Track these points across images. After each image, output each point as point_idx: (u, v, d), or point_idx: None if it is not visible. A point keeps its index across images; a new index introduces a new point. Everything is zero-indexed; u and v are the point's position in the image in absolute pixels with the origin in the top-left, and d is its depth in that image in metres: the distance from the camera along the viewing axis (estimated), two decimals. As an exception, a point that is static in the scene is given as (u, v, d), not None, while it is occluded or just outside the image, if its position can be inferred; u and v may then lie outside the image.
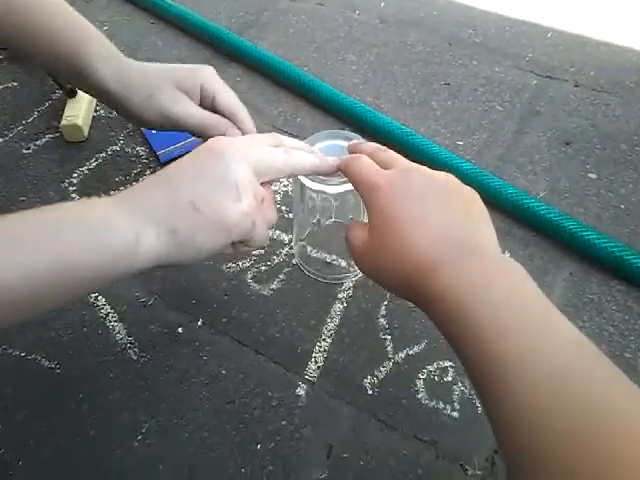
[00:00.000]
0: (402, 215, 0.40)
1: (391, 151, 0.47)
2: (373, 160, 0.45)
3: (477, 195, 0.43)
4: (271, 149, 0.46)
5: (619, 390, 0.30)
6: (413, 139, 0.72)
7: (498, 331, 0.33)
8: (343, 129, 0.76)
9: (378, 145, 0.48)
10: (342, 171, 0.47)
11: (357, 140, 0.52)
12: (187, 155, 0.44)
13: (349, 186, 0.47)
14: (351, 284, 0.60)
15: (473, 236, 0.39)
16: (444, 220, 0.39)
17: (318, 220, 0.58)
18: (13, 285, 0.35)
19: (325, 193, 0.52)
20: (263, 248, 0.50)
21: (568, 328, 0.33)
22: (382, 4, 0.98)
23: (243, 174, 0.42)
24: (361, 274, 0.61)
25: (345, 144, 0.52)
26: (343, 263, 0.62)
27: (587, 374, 0.31)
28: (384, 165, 0.44)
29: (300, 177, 0.51)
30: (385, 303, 0.59)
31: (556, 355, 0.32)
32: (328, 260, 0.62)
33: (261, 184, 0.45)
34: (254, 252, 0.62)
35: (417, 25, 0.94)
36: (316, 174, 0.49)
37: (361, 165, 0.44)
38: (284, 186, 0.70)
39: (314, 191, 0.52)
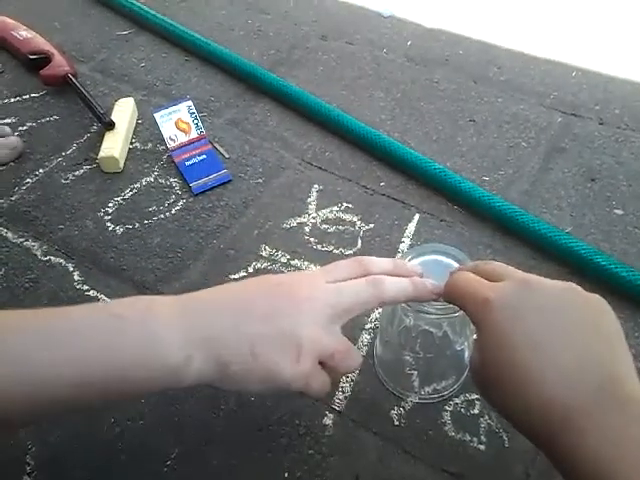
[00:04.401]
0: (519, 338, 0.34)
1: (497, 263, 0.42)
2: (478, 274, 0.40)
3: (607, 305, 0.36)
4: (355, 287, 0.43)
5: None
6: (440, 173, 0.73)
7: None
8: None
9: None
10: (444, 295, 0.43)
11: (464, 262, 0.47)
12: (265, 283, 0.44)
13: (446, 316, 0.45)
14: (378, 315, 0.61)
15: (613, 373, 0.32)
16: (575, 349, 0.33)
17: (403, 344, 0.53)
18: (66, 382, 0.36)
19: (421, 318, 0.48)
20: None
21: None
22: (409, 43, 1.01)
23: (310, 334, 0.41)
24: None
25: (449, 261, 0.48)
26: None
27: None
28: (493, 278, 0.39)
29: None
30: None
31: None
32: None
33: None
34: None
35: (443, 63, 0.96)
36: (412, 301, 0.45)
37: (467, 279, 0.40)
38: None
39: (405, 313, 0.49)
